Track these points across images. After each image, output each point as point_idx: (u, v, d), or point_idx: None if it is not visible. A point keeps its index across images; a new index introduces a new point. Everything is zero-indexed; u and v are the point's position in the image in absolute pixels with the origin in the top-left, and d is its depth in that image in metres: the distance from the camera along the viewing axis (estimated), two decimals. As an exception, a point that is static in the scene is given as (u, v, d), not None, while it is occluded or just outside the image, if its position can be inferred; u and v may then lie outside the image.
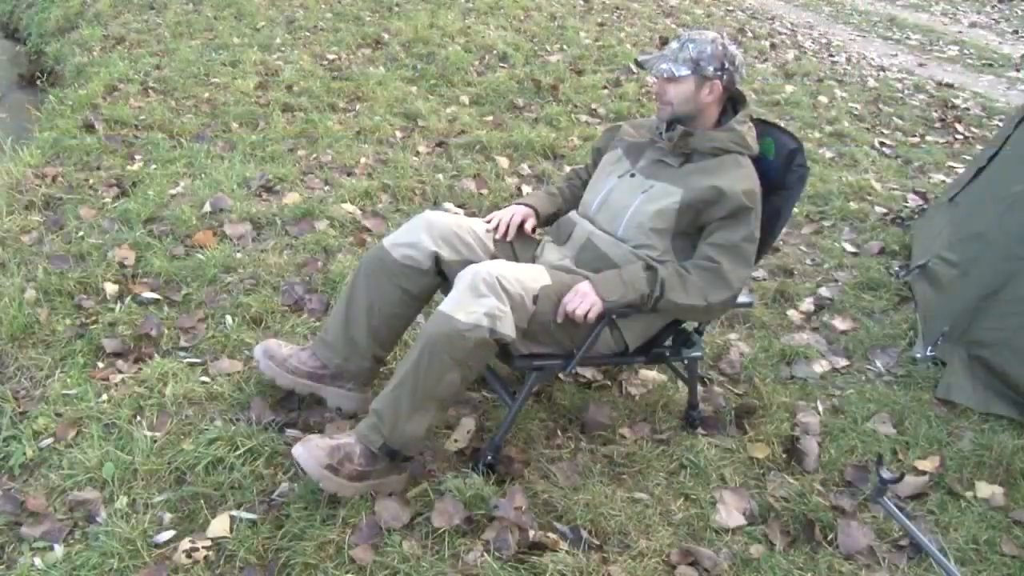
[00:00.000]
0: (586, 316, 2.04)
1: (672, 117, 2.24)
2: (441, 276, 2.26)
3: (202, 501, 2.02)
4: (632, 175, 2.29)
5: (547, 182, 4.03)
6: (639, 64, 2.29)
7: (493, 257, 2.27)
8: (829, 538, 2.09)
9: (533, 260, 2.33)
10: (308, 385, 2.30)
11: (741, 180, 2.16)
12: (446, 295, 2.04)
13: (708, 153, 2.23)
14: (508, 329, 1.97)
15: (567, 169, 4.18)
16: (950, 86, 6.60)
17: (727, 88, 2.24)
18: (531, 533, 1.96)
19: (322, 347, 2.29)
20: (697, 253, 2.19)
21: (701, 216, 2.18)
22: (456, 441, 2.28)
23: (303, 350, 2.33)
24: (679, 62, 2.19)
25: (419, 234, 2.23)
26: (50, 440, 2.21)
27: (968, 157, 4.77)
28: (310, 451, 1.97)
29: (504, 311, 1.96)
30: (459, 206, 3.69)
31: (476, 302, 1.95)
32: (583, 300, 2.05)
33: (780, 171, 2.27)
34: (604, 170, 2.39)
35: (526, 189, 3.91)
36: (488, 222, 2.37)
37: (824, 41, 7.90)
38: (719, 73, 2.20)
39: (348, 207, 3.52)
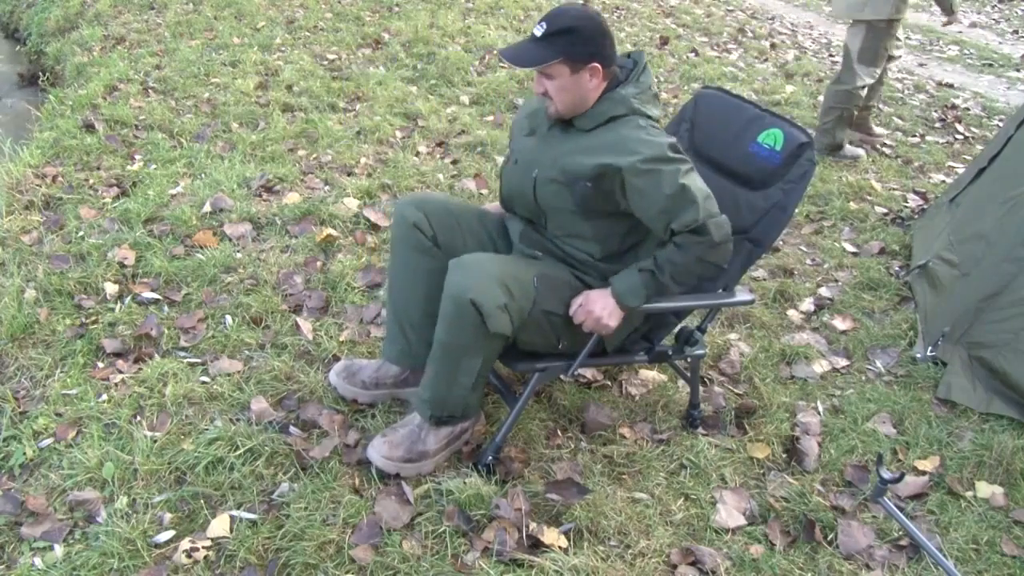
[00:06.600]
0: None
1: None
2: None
3: (202, 501, 2.02)
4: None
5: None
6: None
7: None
8: (829, 538, 2.09)
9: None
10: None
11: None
12: None
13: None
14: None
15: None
16: (950, 86, 6.59)
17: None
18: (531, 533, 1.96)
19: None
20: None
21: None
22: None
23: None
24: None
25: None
26: (50, 440, 2.21)
27: (968, 157, 4.77)
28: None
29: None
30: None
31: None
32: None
33: (784, 162, 2.24)
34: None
35: (526, 189, 3.91)
36: None
37: (824, 41, 7.89)
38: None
39: (350, 201, 3.53)
